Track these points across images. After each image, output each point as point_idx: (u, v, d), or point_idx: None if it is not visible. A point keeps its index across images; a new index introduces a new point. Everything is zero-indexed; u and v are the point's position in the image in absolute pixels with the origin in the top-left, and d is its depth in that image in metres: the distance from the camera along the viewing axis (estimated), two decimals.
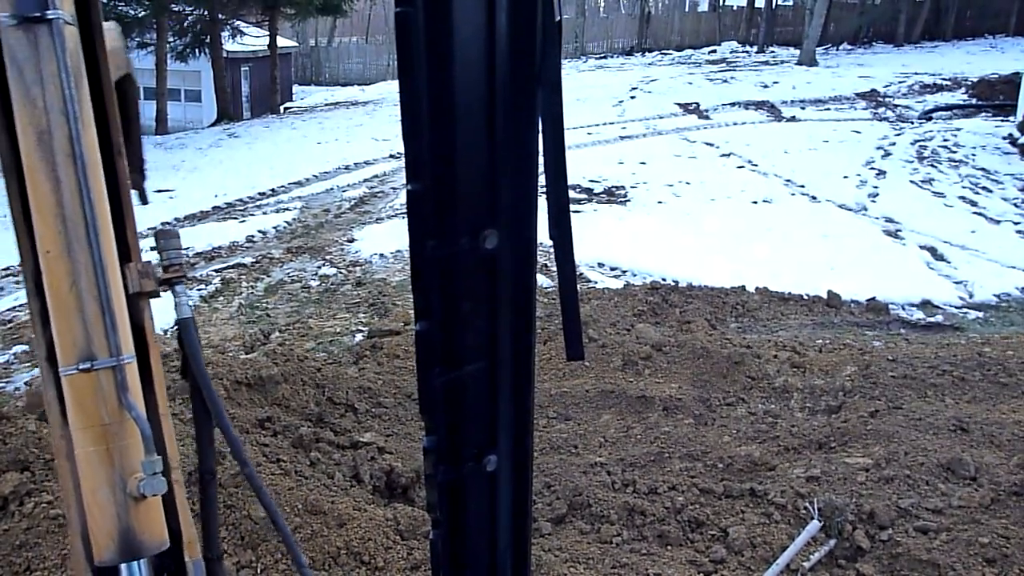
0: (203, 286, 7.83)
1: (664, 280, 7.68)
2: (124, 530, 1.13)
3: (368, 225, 10.30)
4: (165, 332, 6.28)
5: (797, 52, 27.02)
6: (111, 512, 1.12)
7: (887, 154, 13.60)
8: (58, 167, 1.09)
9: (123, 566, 1.16)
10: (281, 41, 28.68)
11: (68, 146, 1.09)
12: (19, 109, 1.09)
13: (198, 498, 1.48)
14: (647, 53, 34.29)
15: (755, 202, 10.95)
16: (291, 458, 3.84)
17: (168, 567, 1.28)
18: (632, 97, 20.63)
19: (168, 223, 10.53)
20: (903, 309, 7.19)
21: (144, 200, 1.38)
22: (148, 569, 1.18)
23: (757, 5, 33.10)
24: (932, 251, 8.93)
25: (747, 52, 30.82)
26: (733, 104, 18.99)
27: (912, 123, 16.37)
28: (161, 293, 1.32)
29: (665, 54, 33.37)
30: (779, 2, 33.35)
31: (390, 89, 29.61)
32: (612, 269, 8.26)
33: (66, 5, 1.09)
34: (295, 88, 34.65)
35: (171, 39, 23.93)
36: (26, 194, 1.12)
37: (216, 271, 8.33)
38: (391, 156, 14.88)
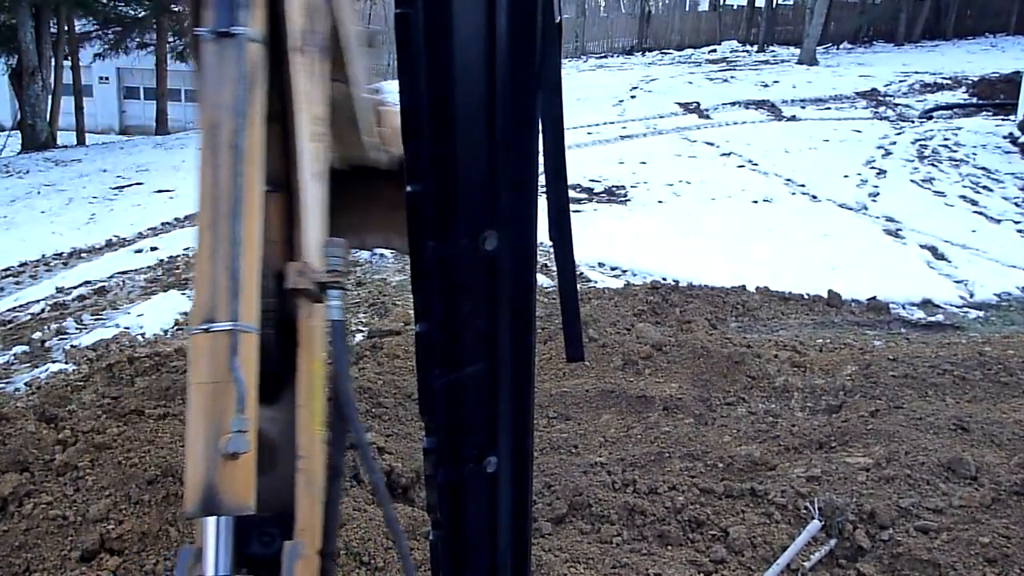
0: None
1: (664, 280, 7.68)
2: (208, 484, 1.18)
3: None
4: (165, 332, 6.29)
5: (797, 51, 26.98)
6: (202, 466, 1.18)
7: (887, 153, 13.59)
8: (219, 155, 1.26)
9: (207, 524, 1.22)
10: None
11: (231, 137, 1.26)
12: (201, 107, 1.29)
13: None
14: (647, 53, 34.26)
15: (755, 201, 10.95)
16: None
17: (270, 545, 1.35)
18: (632, 97, 20.62)
19: (168, 222, 10.54)
20: (904, 308, 7.18)
21: None
22: (232, 535, 1.24)
23: (757, 4, 33.07)
24: (933, 250, 8.92)
25: (747, 51, 30.79)
26: (733, 103, 18.98)
27: (913, 122, 16.35)
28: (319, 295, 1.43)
29: (665, 53, 33.35)
30: (779, 1, 33.33)
31: (390, 89, 29.56)
32: (612, 269, 8.26)
33: (255, 25, 1.30)
34: None
35: (171, 39, 23.94)
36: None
37: None
38: None
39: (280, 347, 1.42)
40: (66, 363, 5.65)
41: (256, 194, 1.29)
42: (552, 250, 1.31)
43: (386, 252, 8.78)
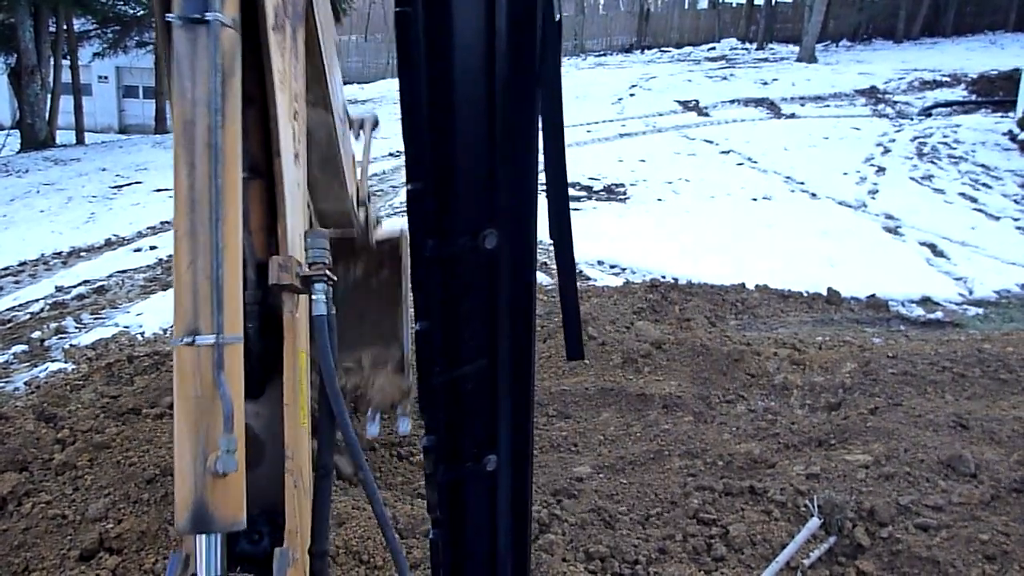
0: None
1: (664, 278, 7.68)
2: (198, 502, 1.16)
3: None
4: (164, 331, 6.28)
5: (797, 49, 26.99)
6: (191, 483, 1.17)
7: (887, 151, 13.60)
8: (195, 154, 1.19)
9: (197, 538, 1.20)
10: None
11: (207, 135, 1.19)
12: (173, 100, 1.22)
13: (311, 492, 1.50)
14: (646, 51, 34.25)
15: (755, 199, 10.95)
16: None
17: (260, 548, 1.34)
18: (631, 95, 20.61)
19: (167, 221, 10.53)
20: (903, 306, 7.18)
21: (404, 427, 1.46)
22: (222, 546, 1.22)
23: (757, 2, 33.05)
24: (932, 247, 8.92)
25: (747, 49, 30.79)
26: (733, 101, 18.98)
27: (912, 120, 16.35)
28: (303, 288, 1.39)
29: (664, 51, 33.34)
30: None
31: (389, 87, 29.56)
32: (612, 267, 8.25)
33: (228, 10, 1.21)
34: None
35: None
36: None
37: None
38: (390, 154, 14.86)
39: (263, 341, 1.39)
40: (65, 362, 5.64)
41: (236, 196, 1.23)
42: (552, 248, 1.31)
43: None
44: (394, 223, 2.16)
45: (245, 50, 1.28)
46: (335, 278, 1.43)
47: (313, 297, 1.41)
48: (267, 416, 1.41)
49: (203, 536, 1.20)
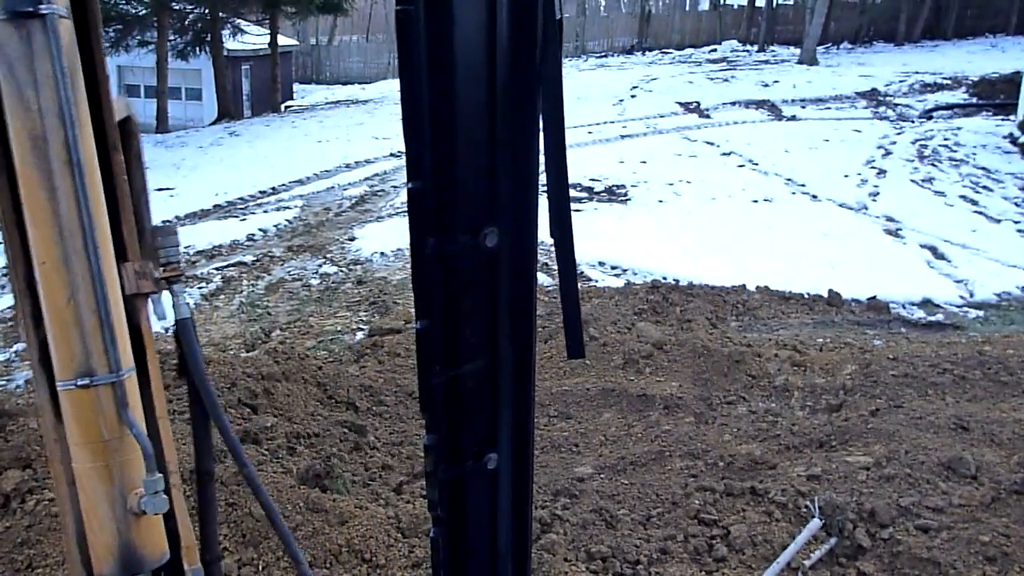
0: (204, 284, 7.84)
1: (665, 279, 7.68)
2: (124, 545, 1.11)
3: (369, 223, 10.30)
4: (166, 331, 6.29)
5: (798, 51, 26.98)
6: (111, 527, 1.10)
7: (888, 153, 13.59)
8: (54, 175, 1.03)
9: None
10: (282, 39, 28.67)
11: (65, 152, 1.03)
12: (11, 112, 1.02)
13: (196, 498, 1.46)
14: (647, 52, 34.25)
15: (756, 201, 10.95)
16: (292, 456, 3.84)
17: (167, 572, 1.26)
18: (633, 96, 20.62)
19: (168, 221, 10.53)
20: (904, 308, 7.18)
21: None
22: None
23: (758, 4, 33.05)
24: (933, 250, 8.92)
25: (748, 51, 30.78)
26: (734, 103, 18.97)
27: (913, 122, 16.35)
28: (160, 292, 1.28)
29: (666, 53, 33.34)
30: (780, 1, 33.31)
31: (391, 88, 29.59)
32: (613, 268, 8.26)
33: None
34: (296, 86, 34.64)
35: (172, 37, 23.91)
36: (17, 192, 1.06)
37: (217, 269, 8.34)
38: (392, 154, 14.88)
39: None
40: None
41: (103, 215, 1.10)
42: (553, 248, 1.31)
43: (387, 250, 8.79)
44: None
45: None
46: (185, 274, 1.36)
47: (174, 299, 1.32)
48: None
49: None
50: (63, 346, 1.08)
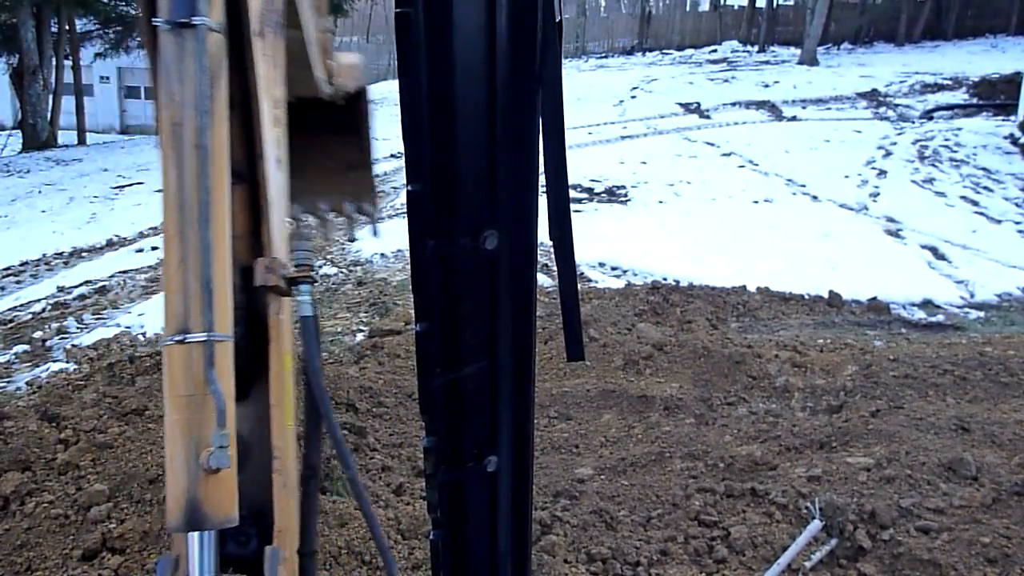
0: None
1: (665, 280, 7.68)
2: (191, 500, 1.16)
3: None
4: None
5: (798, 52, 26.96)
6: (183, 481, 1.16)
7: (888, 154, 13.59)
8: (183, 156, 1.21)
9: (189, 537, 1.20)
10: None
11: (195, 137, 1.20)
12: (161, 102, 1.23)
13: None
14: (648, 53, 34.24)
15: (756, 202, 10.94)
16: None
17: (252, 548, 1.35)
18: (633, 97, 20.62)
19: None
20: (904, 309, 7.18)
21: (375, 232, 1.47)
22: (215, 543, 1.22)
23: (758, 5, 33.04)
24: (933, 251, 8.92)
25: (748, 52, 30.77)
26: (734, 104, 18.97)
27: (913, 123, 16.35)
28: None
29: (666, 54, 33.33)
30: (780, 2, 33.30)
31: (390, 89, 29.58)
32: (613, 269, 8.25)
33: (214, 14, 1.24)
34: None
35: None
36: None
37: None
38: (391, 156, 14.87)
39: (249, 343, 1.39)
40: (67, 362, 5.65)
41: (224, 195, 1.25)
42: (552, 250, 1.31)
43: (387, 252, 8.78)
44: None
45: (229, 57, 1.30)
46: (319, 280, 1.43)
47: (299, 299, 1.42)
48: (253, 418, 1.41)
49: (195, 535, 1.20)
50: (169, 306, 1.20)
